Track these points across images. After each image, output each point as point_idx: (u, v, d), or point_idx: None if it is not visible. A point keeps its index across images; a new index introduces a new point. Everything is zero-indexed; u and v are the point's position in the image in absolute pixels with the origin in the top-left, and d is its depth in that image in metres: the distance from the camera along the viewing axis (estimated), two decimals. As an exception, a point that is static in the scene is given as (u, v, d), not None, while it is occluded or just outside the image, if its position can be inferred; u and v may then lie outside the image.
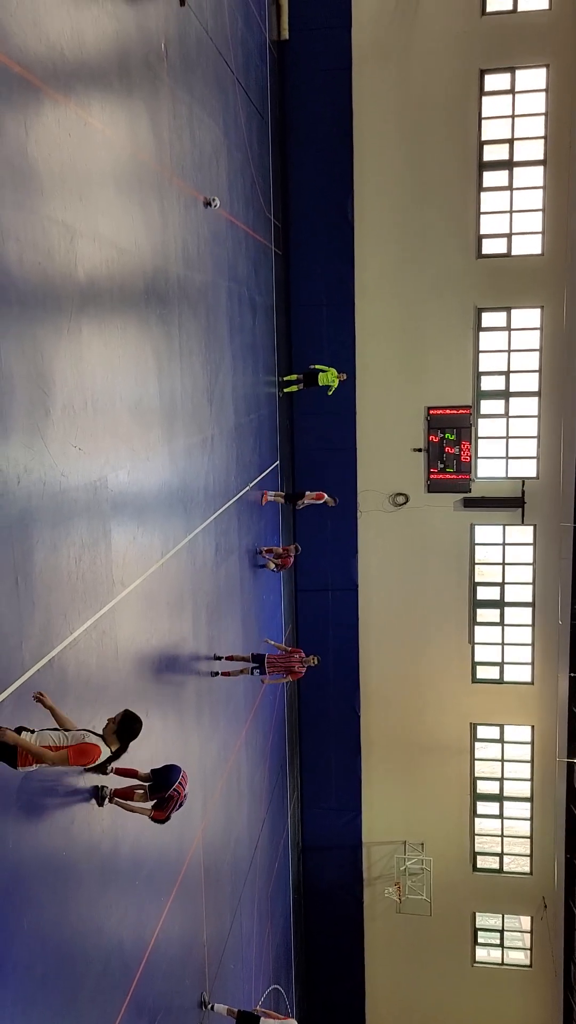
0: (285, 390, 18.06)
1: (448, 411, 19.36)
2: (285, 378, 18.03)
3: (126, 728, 5.78)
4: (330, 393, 17.88)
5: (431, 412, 19.45)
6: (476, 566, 20.00)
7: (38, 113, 6.15)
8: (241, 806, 13.92)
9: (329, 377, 17.74)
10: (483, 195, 18.81)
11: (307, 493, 17.22)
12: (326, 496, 17.13)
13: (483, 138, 18.58)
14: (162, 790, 7.63)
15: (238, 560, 13.54)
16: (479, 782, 20.75)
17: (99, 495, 7.36)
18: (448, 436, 19.33)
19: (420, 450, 19.58)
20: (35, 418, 6.08)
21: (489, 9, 18.11)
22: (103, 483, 7.45)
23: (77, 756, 5.32)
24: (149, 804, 7.65)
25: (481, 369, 19.40)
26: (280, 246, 18.08)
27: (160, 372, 9.29)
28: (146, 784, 7.65)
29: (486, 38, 18.09)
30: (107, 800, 7.25)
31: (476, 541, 19.88)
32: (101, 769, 5.96)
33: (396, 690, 20.37)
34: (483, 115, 18.50)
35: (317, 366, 17.92)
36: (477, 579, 20.05)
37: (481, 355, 19.35)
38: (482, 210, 18.83)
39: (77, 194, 6.85)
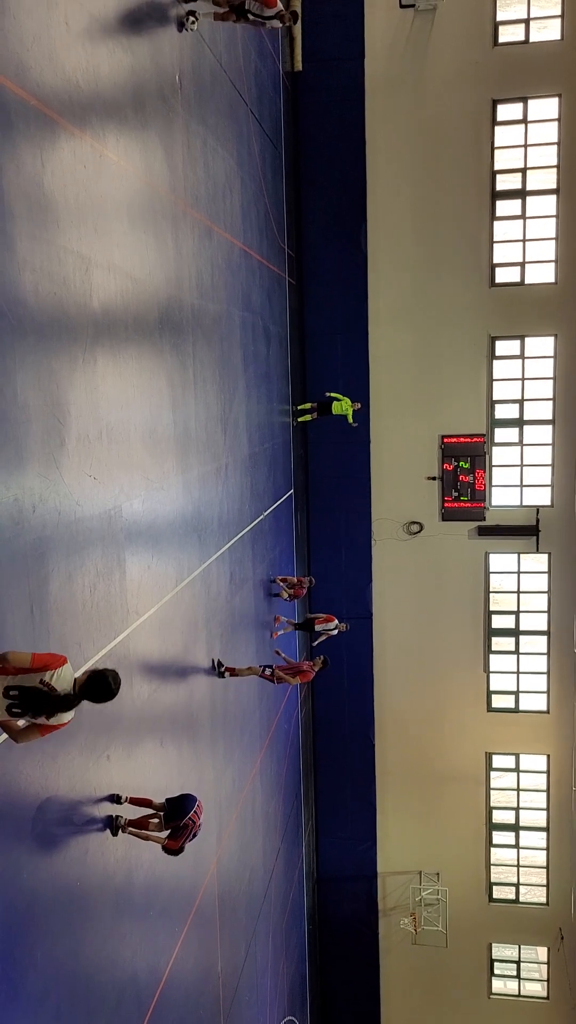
0: (299, 419, 18.09)
1: (462, 440, 19.34)
2: (299, 407, 18.08)
3: (92, 686, 4.85)
4: (353, 423, 17.88)
5: (445, 441, 19.43)
6: (491, 594, 19.86)
7: (54, 145, 6.23)
8: (256, 836, 13.75)
9: (343, 406, 17.77)
10: (496, 224, 18.91)
11: (319, 617, 15.82)
12: (335, 620, 15.77)
13: (496, 167, 18.72)
14: (176, 819, 7.54)
15: (252, 589, 13.49)
16: (495, 812, 20.47)
17: (114, 524, 7.36)
18: (462, 464, 19.28)
19: (434, 478, 19.54)
20: (50, 447, 6.10)
21: (501, 40, 18.32)
22: (117, 512, 7.45)
23: (39, 658, 4.66)
24: (163, 834, 7.56)
25: (495, 397, 19.39)
26: (294, 275, 18.21)
27: (174, 401, 9.32)
28: (160, 813, 7.57)
29: (498, 68, 18.29)
30: (121, 830, 7.17)
31: (491, 569, 19.75)
32: (54, 703, 4.70)
33: (411, 719, 20.17)
34: (496, 144, 18.65)
35: (331, 395, 17.96)
36: (492, 607, 19.90)
37: (495, 383, 19.36)
38: (495, 239, 18.93)
39: (92, 225, 6.92)
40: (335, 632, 15.58)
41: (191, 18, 9.69)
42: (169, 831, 7.56)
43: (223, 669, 11.13)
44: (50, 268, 6.09)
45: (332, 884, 20.68)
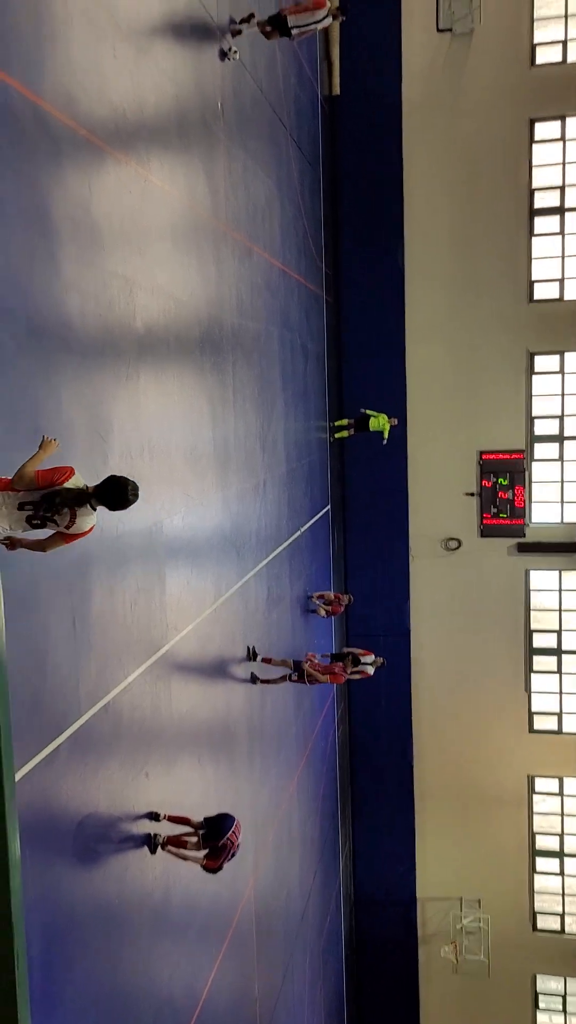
0: (336, 435, 18.13)
1: (501, 456, 19.22)
2: (336, 423, 18.12)
3: (107, 490, 4.54)
4: (384, 441, 17.87)
5: (484, 457, 19.32)
6: (532, 612, 19.63)
7: (101, 172, 6.38)
8: (293, 856, 13.69)
9: (380, 422, 17.77)
10: (534, 241, 18.86)
11: (356, 651, 14.65)
12: (373, 655, 14.58)
13: (534, 185, 18.69)
14: (215, 839, 7.54)
15: (289, 606, 13.51)
16: (538, 837, 20.11)
17: (154, 540, 7.44)
18: (501, 481, 19.15)
19: (473, 495, 19.43)
20: (94, 464, 6.20)
21: (539, 61, 18.34)
22: (158, 528, 7.54)
23: (45, 476, 4.37)
24: (202, 853, 7.57)
25: (534, 413, 19.26)
26: (331, 293, 18.32)
27: (214, 418, 9.42)
28: (199, 832, 7.58)
29: (536, 88, 18.29)
30: (159, 848, 7.20)
31: (531, 587, 19.54)
32: (68, 500, 4.44)
33: (450, 739, 19.96)
34: (534, 163, 18.63)
35: (368, 411, 17.99)
36: (533, 626, 19.66)
37: (534, 399, 19.23)
38: (533, 256, 18.87)
39: (137, 248, 7.05)
40: (371, 670, 14.81)
41: (233, 48, 9.88)
42: (208, 850, 7.57)
43: (260, 658, 11.04)
44: (96, 290, 6.22)
45: (370, 907, 20.46)
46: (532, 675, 19.68)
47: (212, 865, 7.58)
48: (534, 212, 18.77)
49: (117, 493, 4.54)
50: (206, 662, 9.09)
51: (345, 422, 18.20)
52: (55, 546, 4.66)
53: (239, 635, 10.45)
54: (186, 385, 8.51)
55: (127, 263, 6.83)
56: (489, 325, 18.96)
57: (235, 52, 10.00)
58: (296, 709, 13.91)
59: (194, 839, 7.51)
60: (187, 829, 7.58)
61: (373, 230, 19.01)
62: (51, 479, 4.39)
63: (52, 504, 4.37)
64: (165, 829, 7.37)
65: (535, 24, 18.23)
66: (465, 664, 19.74)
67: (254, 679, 11.02)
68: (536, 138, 18.61)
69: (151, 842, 7.14)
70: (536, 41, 18.30)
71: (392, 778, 20.05)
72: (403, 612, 19.75)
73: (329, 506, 17.63)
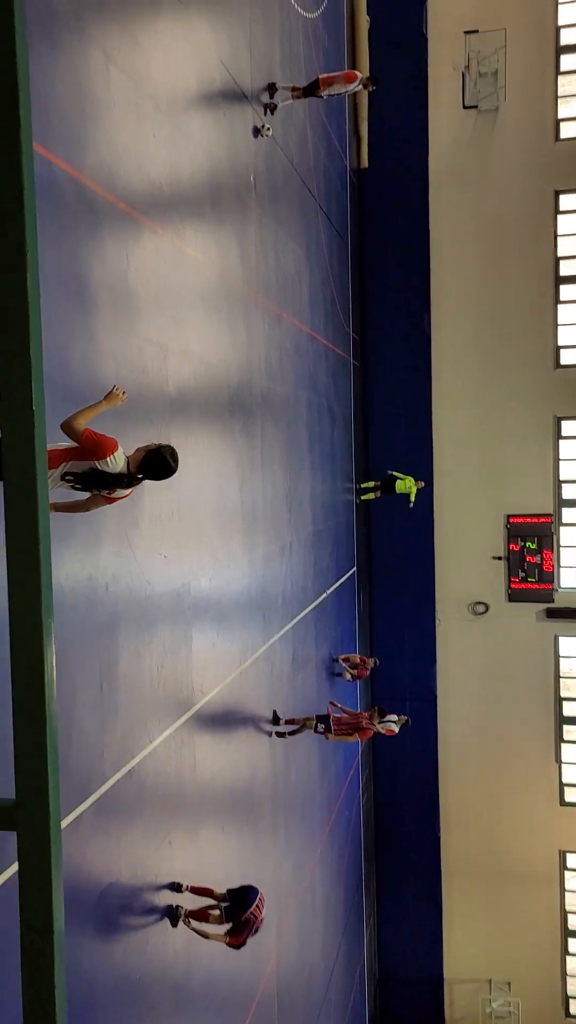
0: (363, 497, 18.18)
1: (529, 519, 19.13)
2: (363, 485, 18.19)
3: (150, 465, 4.51)
4: (411, 504, 17.89)
5: (511, 520, 19.24)
6: (561, 679, 19.28)
7: (138, 243, 6.57)
8: (316, 931, 13.29)
9: (407, 484, 17.81)
10: (560, 308, 19.07)
11: (376, 725, 13.54)
12: (395, 729, 13.62)
13: (559, 254, 18.99)
14: (238, 913, 7.34)
15: (315, 669, 13.38)
16: (570, 916, 19.38)
17: (182, 602, 7.44)
18: (529, 545, 19.03)
19: (500, 558, 19.30)
20: (124, 526, 6.25)
21: (563, 136, 18.80)
22: (186, 590, 7.54)
23: (89, 437, 4.33)
24: (224, 928, 7.36)
25: (562, 477, 19.21)
26: (358, 358, 18.57)
27: (242, 480, 9.49)
28: (222, 905, 7.38)
29: (560, 161, 18.72)
30: (182, 921, 7.02)
31: (561, 653, 19.22)
32: (111, 479, 4.43)
33: (478, 810, 19.45)
34: (559, 232, 18.96)
35: (395, 473, 18.05)
36: (563, 694, 19.28)
37: (561, 463, 19.21)
38: (560, 322, 19.06)
39: (170, 315, 7.22)
40: (396, 728, 14.35)
41: (266, 126, 10.25)
42: (230, 925, 7.36)
43: (283, 721, 10.87)
44: (130, 356, 6.35)
45: (395, 986, 19.74)
46: (563, 745, 19.23)
47: (235, 942, 7.35)
48: (560, 280, 19.02)
49: (160, 467, 4.56)
50: (231, 726, 8.99)
51: (372, 484, 18.25)
52: (97, 506, 4.74)
53: (264, 699, 10.34)
54: (215, 447, 8.61)
55: (161, 329, 6.98)
56: (516, 390, 19.08)
57: (268, 129, 10.36)
58: (321, 776, 13.67)
59: (216, 912, 7.32)
60: (210, 902, 7.39)
61: (400, 296, 19.34)
62: (94, 448, 4.36)
63: (94, 482, 4.43)
64: (187, 901, 7.19)
65: (559, 101, 18.75)
66: (493, 732, 19.35)
67: (280, 734, 10.82)
68: (561, 209, 18.96)
69: (173, 914, 6.97)
70: (560, 117, 18.79)
71: (418, 850, 19.53)
72: (430, 677, 19.48)
73: (355, 568, 17.58)
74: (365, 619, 18.71)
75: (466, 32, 18.58)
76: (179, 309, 7.47)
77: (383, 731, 14.23)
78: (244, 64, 9.76)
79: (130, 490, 4.65)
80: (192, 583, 7.70)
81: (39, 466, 1.09)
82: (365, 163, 18.98)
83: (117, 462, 4.43)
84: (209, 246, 8.41)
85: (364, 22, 18.07)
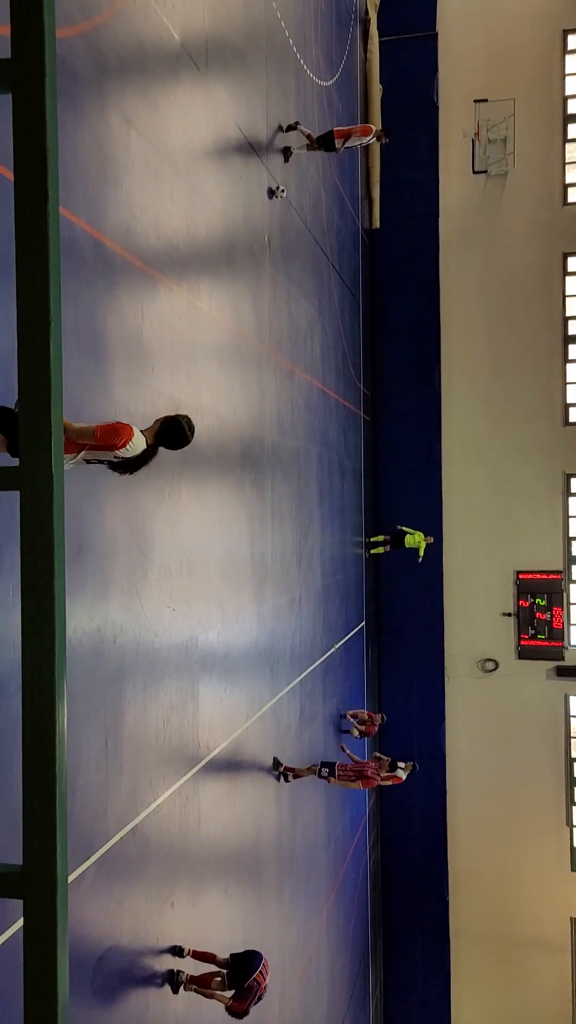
0: (372, 551, 18.15)
1: (538, 576, 19.03)
2: (372, 539, 18.17)
3: (167, 434, 4.57)
4: (420, 559, 17.86)
5: (520, 576, 19.14)
6: (572, 740, 18.96)
7: (154, 300, 6.69)
8: (321, 997, 12.88)
9: (416, 539, 17.79)
10: (569, 366, 19.24)
11: (381, 774, 13.62)
12: (403, 776, 13.82)
13: (567, 314, 19.23)
14: (241, 979, 7.11)
15: (322, 725, 13.21)
16: (581, 985, 18.79)
17: (189, 655, 7.39)
18: (539, 601, 18.90)
19: (510, 615, 19.15)
20: (134, 579, 6.24)
21: (570, 200, 19.19)
22: (194, 643, 7.49)
23: (105, 434, 4.30)
24: (227, 993, 7.14)
25: (572, 534, 19.17)
26: (369, 412, 18.71)
27: (252, 534, 9.49)
28: (224, 971, 7.17)
29: (568, 225, 19.08)
30: (183, 987, 6.82)
31: (571, 713, 18.94)
32: (131, 467, 4.48)
33: (487, 874, 18.99)
34: (567, 293, 19.23)
35: (404, 527, 18.04)
36: (574, 755, 18.95)
37: (571, 519, 19.18)
38: (568, 380, 19.21)
39: (184, 370, 7.31)
40: (403, 775, 14.39)
41: (281, 188, 10.51)
42: (233, 991, 7.13)
43: (283, 769, 10.62)
44: (144, 410, 6.41)
45: (400, 1057, 19.06)
46: (574, 808, 18.83)
47: (238, 1008, 7.11)
48: (568, 339, 19.23)
49: (176, 435, 4.58)
50: (236, 783, 8.84)
51: (381, 538, 18.24)
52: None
53: (271, 755, 10.19)
54: (226, 501, 8.63)
55: (174, 383, 7.06)
56: (525, 446, 19.16)
57: (282, 191, 10.61)
58: (327, 836, 13.40)
59: (219, 978, 7.10)
60: (212, 967, 7.18)
61: (411, 353, 19.57)
62: (111, 442, 4.30)
63: (116, 467, 4.42)
64: (189, 966, 6.99)
65: (567, 167, 19.18)
66: (503, 793, 18.99)
67: (281, 776, 10.49)
68: (569, 270, 19.26)
69: (174, 980, 6.77)
70: (568, 182, 19.21)
71: (426, 915, 19.03)
72: (438, 735, 19.20)
73: (364, 623, 17.46)
74: (373, 674, 18.53)
75: (476, 101, 19.11)
76: (193, 364, 7.57)
77: (390, 782, 14.05)
78: (260, 129, 10.04)
79: (151, 462, 4.63)
80: (200, 636, 7.66)
81: (57, 540, 1.09)
82: (377, 224, 19.38)
83: (136, 445, 4.39)
84: (223, 302, 8.55)
85: (377, 90, 18.62)
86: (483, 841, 19.02)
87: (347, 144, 12.00)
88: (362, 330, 17.85)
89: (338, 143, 11.82)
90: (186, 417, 4.60)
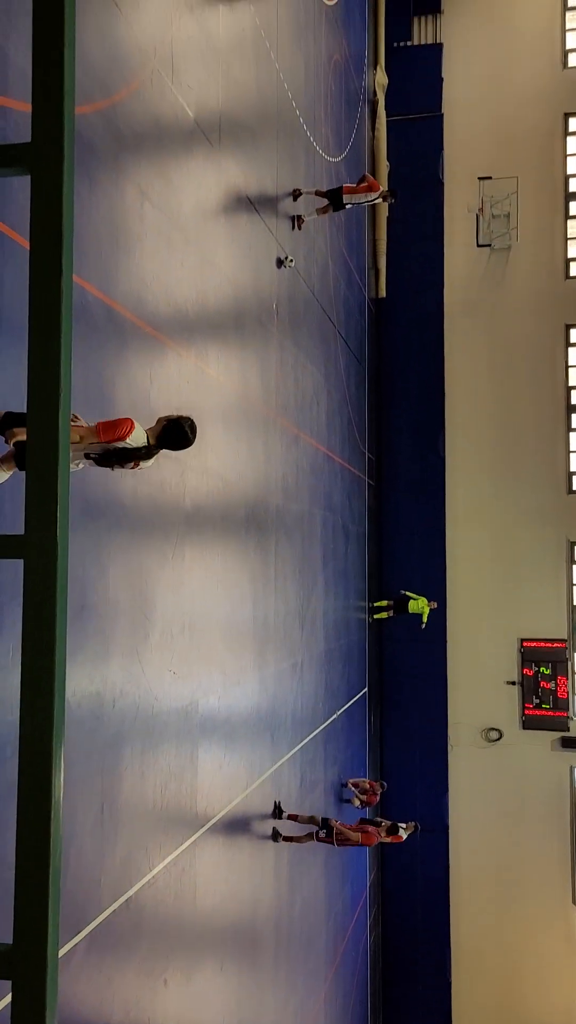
0: (375, 616, 18.04)
1: (543, 644, 18.86)
2: (375, 604, 18.08)
3: (169, 435, 4.58)
4: (423, 625, 17.77)
5: (525, 644, 18.97)
6: (578, 812, 18.55)
7: (162, 364, 6.80)
8: None
9: (419, 605, 17.70)
10: (572, 435, 19.39)
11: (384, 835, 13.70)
12: (403, 836, 13.91)
13: (570, 383, 19.46)
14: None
15: (323, 793, 12.94)
16: (590, 1076, 17.98)
17: (189, 720, 7.28)
18: (543, 670, 18.69)
19: (514, 683, 18.92)
20: (135, 642, 6.20)
21: (572, 274, 19.60)
22: (194, 708, 7.39)
23: (108, 430, 4.32)
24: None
25: (575, 602, 19.07)
26: (373, 477, 18.81)
27: (255, 597, 9.45)
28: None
29: (571, 297, 19.46)
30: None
31: (576, 785, 18.57)
32: (131, 454, 4.46)
33: (491, 954, 18.36)
34: (570, 363, 19.50)
35: (407, 593, 17.97)
36: (580, 829, 18.52)
37: (575, 588, 19.09)
38: (572, 449, 19.34)
39: (191, 433, 7.38)
40: (404, 835, 14.21)
41: (289, 258, 10.77)
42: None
43: (286, 815, 10.31)
44: (149, 472, 6.45)
45: None
46: (581, 885, 18.33)
47: None
48: (571, 408, 19.43)
49: (178, 437, 4.62)
50: (234, 853, 8.63)
51: (384, 603, 18.15)
52: (120, 468, 4.71)
53: (270, 825, 9.96)
54: (229, 563, 8.62)
55: (181, 447, 7.12)
56: (529, 513, 19.19)
57: (291, 261, 10.86)
58: (327, 911, 13.01)
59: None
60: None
61: (415, 419, 19.77)
62: (112, 435, 4.36)
63: (116, 459, 4.44)
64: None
65: (568, 243, 19.64)
66: (507, 868, 18.49)
67: (276, 836, 10.22)
68: (572, 341, 19.56)
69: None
70: (570, 256, 19.65)
71: (428, 995, 18.35)
72: (441, 806, 18.79)
73: (366, 689, 17.25)
74: (376, 742, 18.23)
75: (480, 178, 19.68)
76: (199, 427, 7.63)
77: (390, 840, 13.84)
78: (270, 201, 10.33)
79: (151, 460, 4.67)
80: (200, 701, 7.56)
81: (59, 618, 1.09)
82: (383, 293, 19.77)
83: (137, 438, 4.44)
84: (231, 368, 8.68)
85: (384, 166, 19.20)
86: (487, 919, 18.45)
87: (354, 201, 12.37)
88: (367, 396, 18.07)
89: (346, 199, 12.19)
90: (189, 419, 4.65)
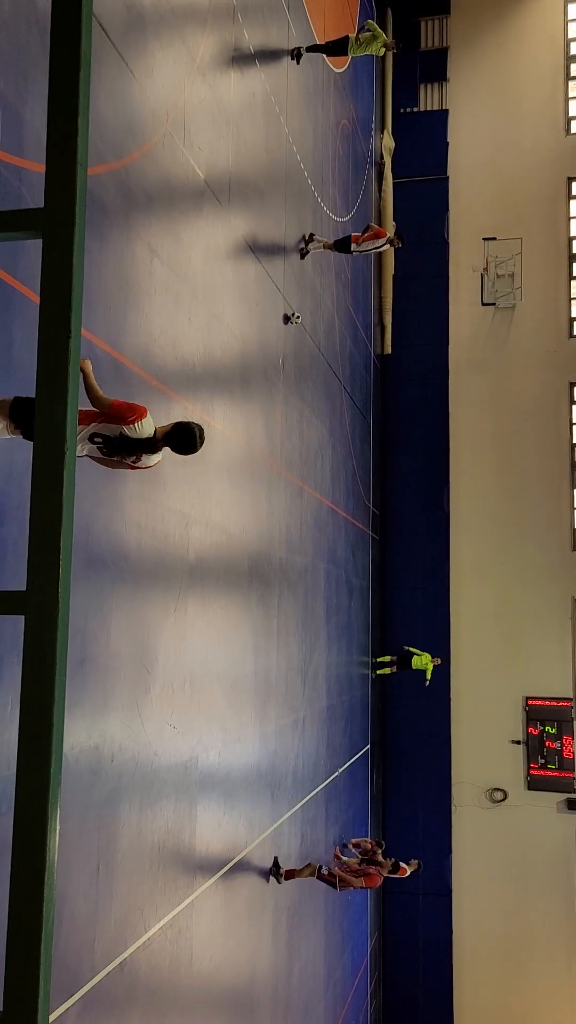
0: (378, 672, 17.87)
1: (548, 702, 18.63)
2: (379, 659, 17.92)
3: (177, 436, 4.52)
4: (427, 682, 17.61)
5: (529, 702, 18.74)
6: (584, 878, 18.09)
7: (168, 417, 6.85)
8: None
9: (423, 661, 17.54)
10: (576, 491, 19.43)
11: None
12: (408, 870, 14.09)
13: (574, 441, 19.56)
14: None
15: (324, 853, 12.67)
16: None
17: (188, 776, 7.17)
18: (549, 729, 18.42)
19: (519, 742, 18.64)
20: (136, 695, 6.14)
21: (576, 332, 19.88)
22: (193, 763, 7.29)
23: (120, 407, 4.34)
24: None
25: (581, 660, 18.87)
26: (378, 531, 18.80)
27: (257, 651, 9.38)
28: None
29: (574, 356, 19.66)
30: None
31: (583, 848, 18.15)
32: (136, 445, 4.39)
33: (495, 1023, 17.74)
34: (573, 420, 19.62)
35: (411, 649, 17.82)
36: (586, 893, 18.04)
37: (580, 646, 18.92)
38: (576, 505, 19.37)
39: (195, 486, 7.41)
40: (408, 870, 14.25)
41: (296, 315, 10.94)
42: None
43: (281, 872, 10.02)
44: (153, 525, 6.47)
45: None
46: (587, 952, 17.79)
47: None
48: (575, 465, 19.49)
49: (186, 440, 4.57)
50: (232, 916, 8.42)
51: (388, 659, 17.99)
52: (121, 468, 4.74)
53: (268, 887, 9.73)
54: (232, 617, 8.57)
55: (184, 499, 7.15)
56: (534, 570, 19.12)
57: (298, 317, 11.03)
58: (326, 978, 12.64)
59: None
60: None
61: (420, 474, 19.84)
62: (124, 414, 4.40)
63: (122, 446, 4.43)
64: None
65: (572, 302, 19.94)
66: (512, 934, 17.99)
67: (276, 872, 9.87)
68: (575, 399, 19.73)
69: None
70: (573, 316, 19.91)
71: (430, 1068, 17.70)
72: (444, 868, 18.36)
73: (369, 746, 17.00)
74: (378, 801, 17.90)
75: (485, 239, 20.07)
76: (204, 480, 7.68)
77: (395, 874, 13.72)
78: (278, 259, 10.53)
79: (156, 460, 4.67)
80: (200, 756, 7.45)
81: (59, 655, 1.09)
82: (389, 350, 20.02)
83: (144, 428, 4.46)
84: (237, 421, 8.76)
85: (391, 226, 19.60)
86: (491, 986, 17.89)
87: (362, 248, 12.65)
88: (372, 451, 18.17)
89: (354, 247, 12.48)
90: (200, 426, 4.65)
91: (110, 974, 5.60)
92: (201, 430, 4.64)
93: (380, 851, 15.03)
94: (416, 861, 14.37)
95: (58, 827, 1.12)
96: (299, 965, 10.96)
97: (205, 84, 7.94)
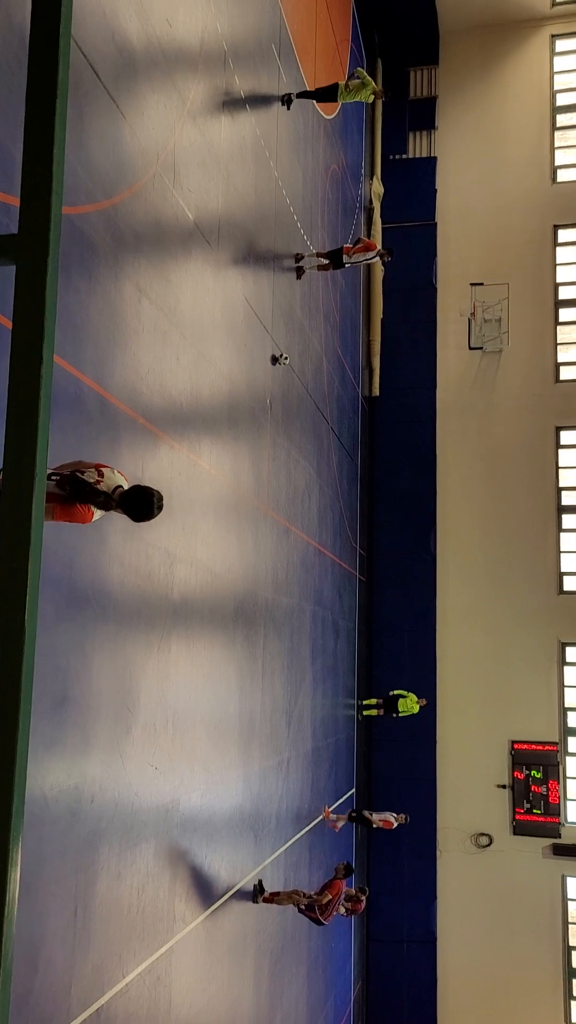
0: (364, 713, 17.72)
1: (534, 746, 18.49)
2: (365, 702, 17.78)
3: (132, 499, 4.21)
4: (398, 715, 17.51)
5: (515, 746, 18.60)
6: (570, 926, 17.80)
7: (155, 456, 6.87)
8: None
9: (409, 703, 17.41)
10: (563, 536, 19.50)
11: (374, 816, 15.28)
12: (393, 822, 15.32)
13: (560, 484, 19.70)
14: None
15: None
16: None
17: (170, 818, 7.05)
18: (534, 774, 18.26)
19: (504, 787, 18.46)
20: (117, 735, 6.06)
21: (563, 378, 20.11)
22: (175, 805, 7.17)
23: (61, 516, 4.02)
24: None
25: (567, 704, 18.78)
26: (364, 573, 18.78)
27: (241, 692, 9.30)
28: None
29: (560, 400, 19.90)
30: None
31: (569, 896, 17.89)
32: (87, 497, 4.09)
33: (482, 1079, 17.33)
34: (560, 464, 19.78)
35: (397, 691, 17.70)
36: (572, 942, 17.74)
37: (567, 689, 18.84)
38: (562, 549, 19.42)
39: (181, 524, 7.40)
40: (395, 823, 15.10)
41: (284, 356, 11.05)
42: None
43: (264, 896, 9.75)
44: (137, 563, 6.44)
45: None
46: (572, 1003, 17.44)
47: None
48: (561, 509, 19.60)
49: (143, 504, 4.25)
50: (213, 962, 8.22)
51: (374, 701, 17.85)
52: (49, 519, 4.12)
53: (251, 933, 9.53)
54: (216, 657, 8.51)
55: (170, 538, 7.13)
56: (520, 613, 19.11)
57: (286, 359, 11.13)
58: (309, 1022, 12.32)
59: None
60: None
61: (407, 516, 19.89)
62: (68, 518, 4.13)
63: (75, 490, 4.07)
64: None
65: (558, 348, 20.22)
66: (497, 982, 17.64)
67: (256, 895, 9.61)
68: (562, 443, 19.90)
69: None
70: (560, 361, 20.18)
71: None
72: (429, 914, 18.05)
73: (354, 789, 16.79)
74: (363, 845, 17.62)
75: (472, 284, 20.39)
76: (189, 519, 7.67)
77: (380, 824, 14.89)
78: (266, 301, 10.66)
79: (96, 517, 4.27)
80: (183, 798, 7.34)
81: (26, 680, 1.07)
82: (377, 392, 20.20)
83: (108, 484, 4.16)
84: (223, 461, 8.78)
85: (380, 271, 19.90)
86: (478, 1041, 17.49)
87: (353, 260, 13.00)
88: (359, 492, 18.23)
89: (345, 258, 12.82)
90: (158, 492, 4.34)
91: (86, 1021, 5.44)
92: (160, 498, 4.35)
93: (364, 897, 14.76)
94: (403, 815, 15.36)
95: (19, 860, 1.09)
96: (281, 1013, 10.69)
97: (196, 127, 8.10)
